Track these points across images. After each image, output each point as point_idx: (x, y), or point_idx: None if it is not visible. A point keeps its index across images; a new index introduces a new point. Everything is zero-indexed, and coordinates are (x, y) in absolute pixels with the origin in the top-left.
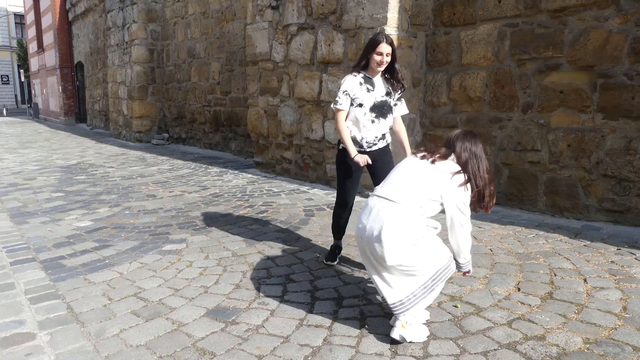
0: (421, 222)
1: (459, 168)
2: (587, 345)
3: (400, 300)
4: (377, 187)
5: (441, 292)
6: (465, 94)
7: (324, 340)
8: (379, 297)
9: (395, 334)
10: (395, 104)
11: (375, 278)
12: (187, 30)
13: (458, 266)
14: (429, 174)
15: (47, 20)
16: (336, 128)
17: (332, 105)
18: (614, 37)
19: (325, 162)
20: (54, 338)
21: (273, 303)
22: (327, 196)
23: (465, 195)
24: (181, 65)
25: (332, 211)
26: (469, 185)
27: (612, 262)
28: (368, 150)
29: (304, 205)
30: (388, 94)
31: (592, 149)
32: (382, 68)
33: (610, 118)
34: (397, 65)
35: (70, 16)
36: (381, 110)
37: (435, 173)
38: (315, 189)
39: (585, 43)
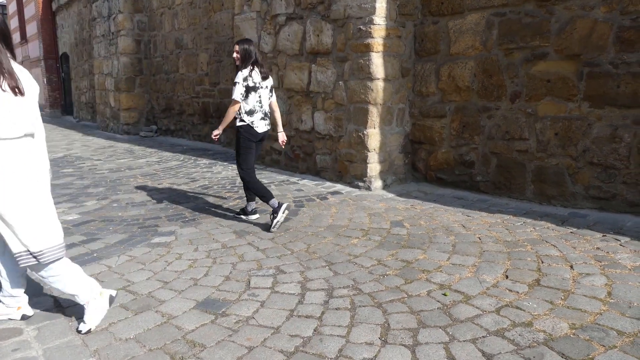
0: None
1: None
2: (573, 331)
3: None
4: None
5: (430, 281)
6: (453, 84)
7: (315, 330)
8: (369, 287)
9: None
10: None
11: None
12: (174, 20)
13: None
14: None
15: (30, 11)
16: None
17: None
18: (600, 26)
19: (315, 153)
20: (42, 333)
21: (263, 294)
22: (317, 187)
23: None
24: (169, 56)
25: (321, 201)
26: None
27: (597, 248)
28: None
29: (294, 196)
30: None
31: (578, 137)
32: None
33: (597, 106)
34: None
35: (54, 6)
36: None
37: None
38: (305, 180)
39: (572, 32)
